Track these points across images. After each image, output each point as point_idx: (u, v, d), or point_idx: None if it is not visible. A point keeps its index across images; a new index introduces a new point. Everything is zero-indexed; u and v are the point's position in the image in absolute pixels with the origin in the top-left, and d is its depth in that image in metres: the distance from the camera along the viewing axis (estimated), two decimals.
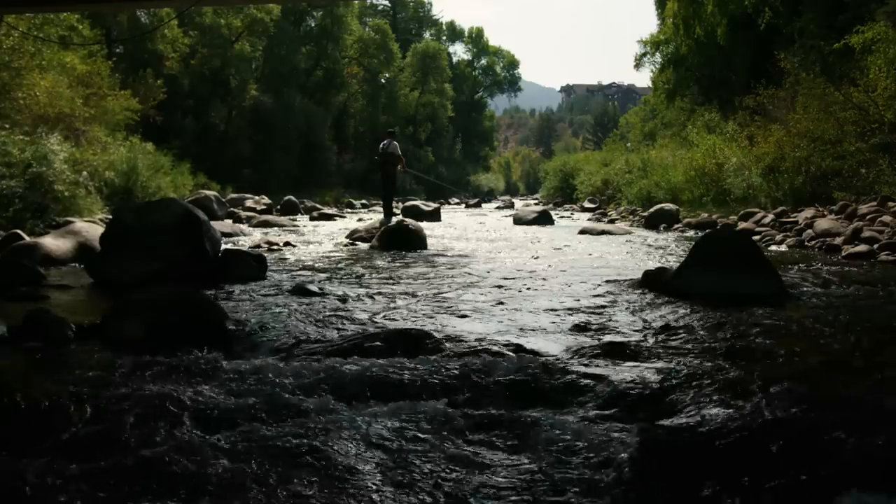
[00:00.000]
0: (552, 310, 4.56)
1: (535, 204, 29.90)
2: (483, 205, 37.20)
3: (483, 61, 68.88)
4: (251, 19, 33.15)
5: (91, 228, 8.16)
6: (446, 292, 5.38)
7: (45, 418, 2.40)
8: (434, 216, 17.30)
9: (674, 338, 3.68)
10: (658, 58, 28.21)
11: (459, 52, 68.59)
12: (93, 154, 13.62)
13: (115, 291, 5.30)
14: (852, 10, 14.28)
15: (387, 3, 61.12)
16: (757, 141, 15.19)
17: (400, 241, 9.32)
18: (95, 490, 1.94)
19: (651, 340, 3.63)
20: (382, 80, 49.50)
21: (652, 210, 15.52)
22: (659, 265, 6.14)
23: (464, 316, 4.36)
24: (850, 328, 3.90)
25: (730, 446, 2.21)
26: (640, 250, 9.35)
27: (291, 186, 29.76)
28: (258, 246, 9.56)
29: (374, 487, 1.95)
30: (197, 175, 22.15)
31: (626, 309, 4.59)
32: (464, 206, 35.85)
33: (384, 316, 4.36)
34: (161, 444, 2.21)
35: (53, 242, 7.36)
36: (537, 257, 7.57)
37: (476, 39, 68.46)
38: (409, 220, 10.95)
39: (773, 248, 9.34)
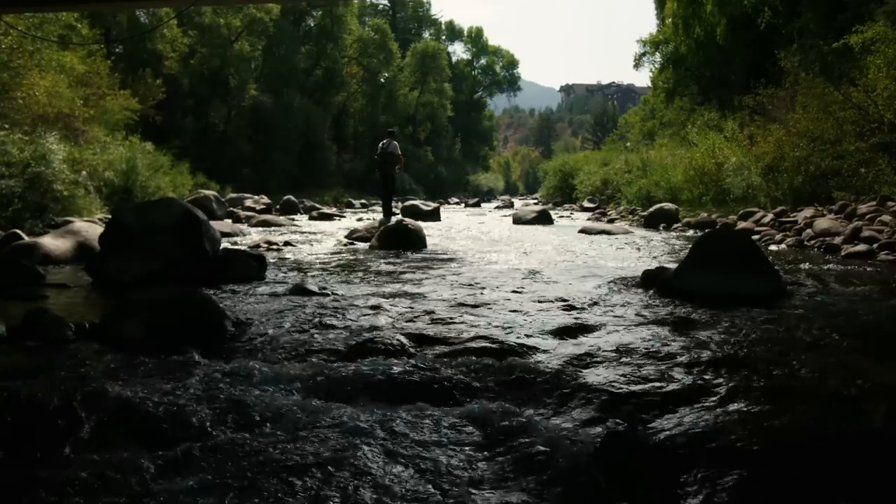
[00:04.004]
0: (551, 310, 4.55)
1: (535, 204, 29.91)
2: (482, 204, 37.21)
3: (482, 61, 68.88)
4: (250, 19, 33.16)
5: (90, 228, 8.15)
6: (445, 292, 5.38)
7: (44, 418, 2.40)
8: (433, 216, 17.30)
9: (673, 338, 3.68)
10: (657, 57, 28.28)
11: (459, 51, 68.70)
12: (92, 154, 13.62)
13: (114, 291, 5.29)
14: (851, 9, 14.30)
15: (386, 2, 61.16)
16: (756, 140, 15.21)
17: (399, 240, 9.31)
18: (93, 490, 1.94)
19: (650, 340, 3.63)
20: (382, 80, 49.53)
21: (651, 210, 15.53)
22: (658, 265, 6.14)
23: (462, 316, 4.36)
24: (850, 328, 3.89)
25: (725, 447, 2.20)
26: (639, 250, 9.34)
27: (291, 186, 29.79)
28: (257, 245, 9.56)
29: (371, 488, 1.95)
30: (196, 175, 22.15)
31: (626, 309, 4.59)
32: (463, 205, 35.86)
33: (384, 316, 4.36)
34: (159, 445, 2.20)
35: (52, 242, 7.35)
36: (534, 270, 7.54)
37: (475, 39, 68.46)
38: (408, 220, 10.94)
39: (773, 247, 9.34)
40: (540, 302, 4.88)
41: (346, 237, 11.19)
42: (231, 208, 18.48)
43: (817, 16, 16.31)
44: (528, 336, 3.73)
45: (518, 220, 16.60)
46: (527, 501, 1.91)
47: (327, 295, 5.19)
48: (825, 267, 6.91)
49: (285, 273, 6.62)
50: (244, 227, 14.03)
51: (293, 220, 17.41)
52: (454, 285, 5.78)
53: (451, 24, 67.59)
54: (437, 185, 51.93)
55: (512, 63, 70.04)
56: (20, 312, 3.86)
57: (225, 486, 1.95)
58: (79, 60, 16.48)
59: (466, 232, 13.25)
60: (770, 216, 11.60)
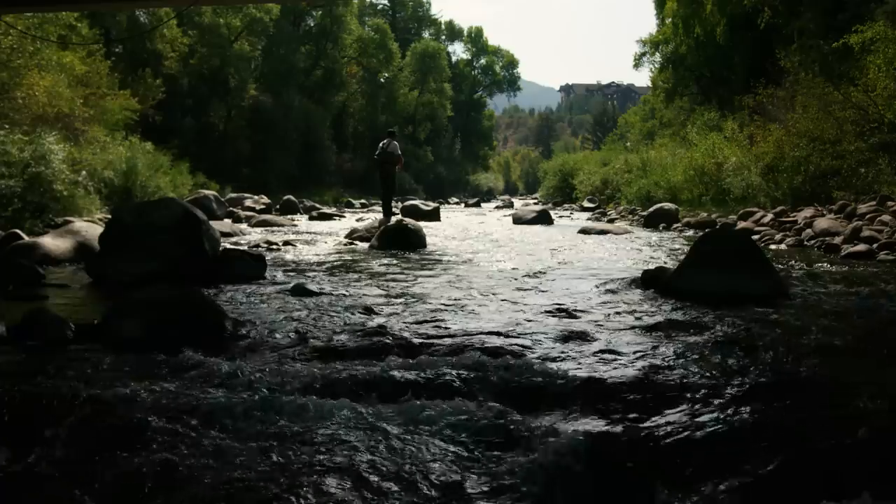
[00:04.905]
0: (551, 310, 4.55)
1: (535, 203, 29.92)
2: (482, 204, 37.21)
3: (482, 61, 68.87)
4: (250, 19, 33.18)
5: (90, 228, 8.15)
6: (445, 293, 5.38)
7: (44, 419, 2.40)
8: (433, 216, 17.30)
9: (672, 338, 3.68)
10: (657, 57, 28.31)
11: (459, 51, 68.71)
12: (92, 154, 13.61)
13: (114, 291, 5.29)
14: (851, 9, 14.30)
15: (386, 2, 61.13)
16: (756, 140, 15.21)
17: (399, 240, 9.31)
18: (92, 490, 1.94)
19: (649, 341, 3.63)
20: (382, 80, 49.54)
21: (651, 209, 15.53)
22: (658, 265, 6.14)
23: (462, 316, 4.36)
24: (849, 328, 3.90)
25: (725, 448, 2.20)
26: (639, 250, 9.35)
27: (290, 186, 29.77)
28: (257, 245, 9.56)
29: (368, 488, 1.95)
30: (196, 174, 22.14)
31: (625, 309, 4.59)
32: (463, 205, 35.87)
33: (383, 316, 4.36)
34: (158, 445, 2.20)
35: (52, 242, 7.35)
36: (533, 270, 7.54)
37: (475, 39, 68.45)
38: (408, 220, 10.95)
39: (773, 247, 9.34)
40: (539, 302, 4.88)
41: (345, 237, 11.19)
42: (231, 208, 18.48)
43: (817, 16, 16.31)
44: (527, 336, 3.72)
45: (518, 220, 16.60)
46: (525, 501, 1.91)
47: (327, 295, 5.19)
48: (825, 267, 6.90)
49: (285, 273, 6.61)
50: (244, 226, 14.03)
51: (293, 220, 17.41)
52: (454, 286, 5.78)
53: (450, 24, 67.61)
54: (436, 185, 51.94)
55: (512, 63, 70.04)
56: (20, 312, 3.86)
57: (223, 485, 1.95)
58: (79, 60, 16.46)
59: (466, 232, 13.25)
60: (770, 216, 11.59)
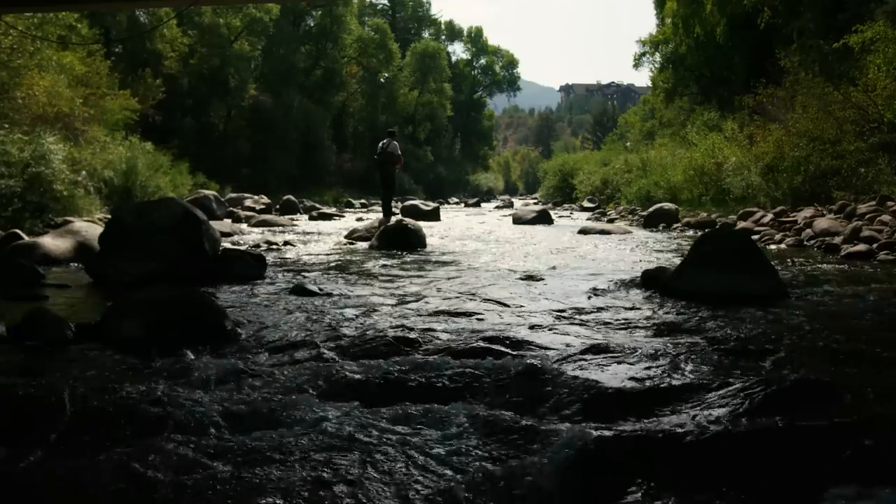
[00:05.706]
0: (551, 310, 4.55)
1: (535, 203, 29.94)
2: (482, 204, 37.23)
3: (482, 61, 68.91)
4: (250, 19, 33.20)
5: (90, 228, 8.15)
6: (445, 293, 5.38)
7: (43, 419, 2.40)
8: (433, 216, 17.31)
9: (672, 338, 3.68)
10: (657, 57, 28.33)
11: (458, 51, 68.80)
12: (91, 154, 13.61)
13: (113, 291, 5.29)
14: (851, 9, 14.30)
15: (386, 2, 61.15)
16: (756, 140, 15.22)
17: (399, 240, 9.31)
18: (90, 492, 1.94)
19: (649, 341, 3.63)
20: (381, 80, 49.57)
21: (651, 209, 15.54)
22: (658, 265, 6.14)
23: (462, 317, 4.36)
24: (849, 328, 3.90)
25: (724, 448, 2.20)
26: (639, 250, 9.35)
27: (290, 186, 29.80)
28: (257, 245, 9.56)
29: (369, 489, 1.95)
30: (196, 174, 22.15)
31: (626, 309, 4.59)
32: (463, 205, 35.89)
33: (383, 317, 4.36)
34: (158, 446, 2.20)
35: (52, 242, 7.35)
36: (533, 271, 7.53)
37: (475, 39, 68.50)
38: (408, 220, 10.95)
39: (773, 247, 9.34)
40: (539, 303, 4.88)
41: (345, 237, 11.19)
42: (231, 208, 18.50)
43: (817, 16, 16.31)
44: (526, 338, 3.72)
45: (518, 220, 16.60)
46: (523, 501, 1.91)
47: (326, 295, 5.19)
48: (825, 267, 6.90)
49: (285, 273, 6.61)
50: (244, 226, 14.04)
51: (293, 219, 17.41)
52: (454, 286, 5.78)
53: (450, 24, 67.64)
54: (436, 185, 51.96)
55: (511, 63, 70.07)
56: (20, 312, 3.86)
57: (222, 485, 1.95)
58: (79, 60, 16.46)
59: (466, 232, 13.25)
60: (770, 216, 11.60)
